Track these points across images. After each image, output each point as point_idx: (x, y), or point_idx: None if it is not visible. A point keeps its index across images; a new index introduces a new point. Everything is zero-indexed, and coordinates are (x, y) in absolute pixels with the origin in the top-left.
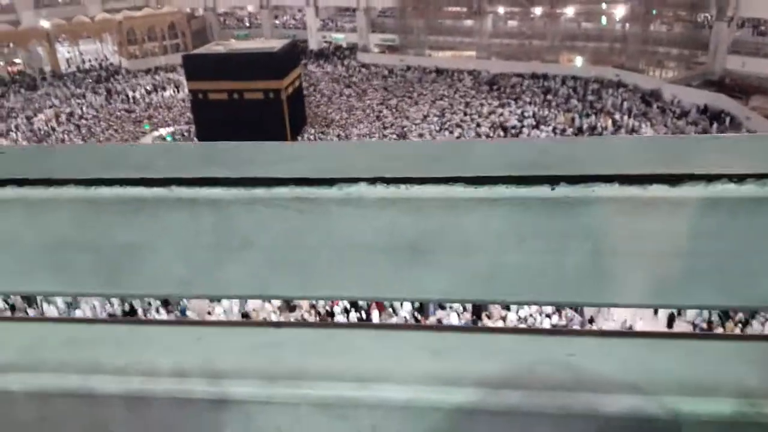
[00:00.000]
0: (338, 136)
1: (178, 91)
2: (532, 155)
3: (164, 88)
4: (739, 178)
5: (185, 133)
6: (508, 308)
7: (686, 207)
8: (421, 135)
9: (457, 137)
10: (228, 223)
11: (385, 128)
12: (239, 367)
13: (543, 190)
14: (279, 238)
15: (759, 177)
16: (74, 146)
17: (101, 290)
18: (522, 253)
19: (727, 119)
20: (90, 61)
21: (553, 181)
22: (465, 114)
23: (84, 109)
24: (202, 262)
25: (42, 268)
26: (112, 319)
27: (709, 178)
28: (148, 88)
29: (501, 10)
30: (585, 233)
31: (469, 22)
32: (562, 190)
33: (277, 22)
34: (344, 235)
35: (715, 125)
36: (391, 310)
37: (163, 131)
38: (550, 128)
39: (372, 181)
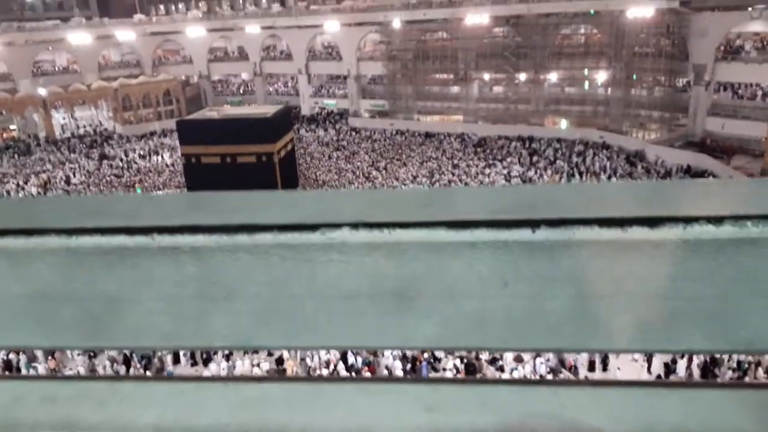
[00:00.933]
0: None
1: (169, 156)
2: (513, 199)
3: (157, 153)
4: (717, 220)
5: None
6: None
7: (666, 249)
8: None
9: None
10: (211, 271)
11: (375, 188)
12: (221, 424)
13: (524, 233)
14: (262, 286)
15: (737, 219)
16: (55, 197)
17: (83, 343)
18: (506, 298)
19: (710, 178)
20: (85, 126)
21: (533, 224)
22: (453, 174)
23: (76, 174)
24: (185, 313)
25: (22, 321)
26: (91, 375)
27: (688, 220)
28: (141, 152)
29: (486, 76)
30: (567, 276)
31: (455, 88)
32: (543, 234)
33: (270, 89)
34: (328, 282)
35: None
36: (386, 371)
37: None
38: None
39: (354, 225)
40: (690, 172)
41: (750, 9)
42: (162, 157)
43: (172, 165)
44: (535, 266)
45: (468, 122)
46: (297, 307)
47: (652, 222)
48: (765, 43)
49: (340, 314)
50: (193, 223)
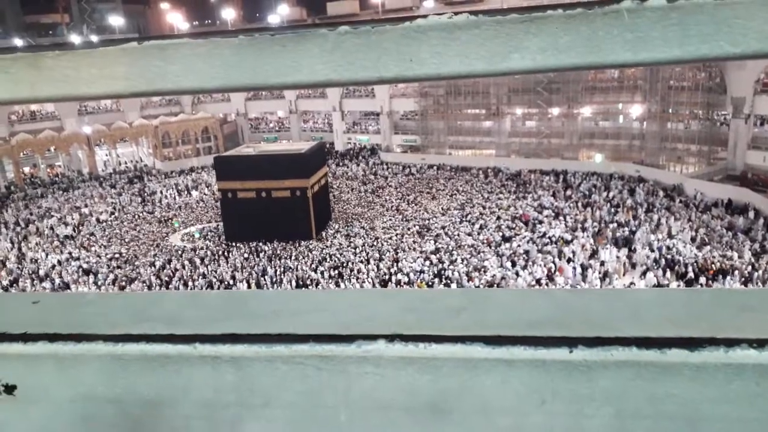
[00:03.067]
0: (363, 227)
1: (198, 191)
2: (548, 309)
3: (196, 188)
4: (760, 344)
5: (212, 230)
6: None
7: (707, 373)
8: (443, 227)
9: (480, 229)
10: (249, 380)
11: (407, 221)
12: None
13: (561, 353)
14: (298, 395)
15: None
16: (104, 296)
17: None
18: (542, 415)
19: (751, 212)
20: (126, 162)
21: (571, 343)
22: (484, 207)
23: (116, 211)
24: (222, 419)
25: (65, 422)
26: None
27: (729, 343)
28: (178, 188)
29: (519, 111)
30: (605, 396)
31: (488, 123)
32: (581, 353)
33: (305, 125)
34: (363, 393)
35: (741, 218)
36: None
37: (192, 228)
38: (570, 221)
39: (391, 338)
40: (731, 206)
41: None
42: (197, 192)
43: (201, 200)
44: (572, 385)
45: (500, 156)
46: (332, 418)
47: (692, 344)
48: None
49: (375, 426)
50: (233, 331)
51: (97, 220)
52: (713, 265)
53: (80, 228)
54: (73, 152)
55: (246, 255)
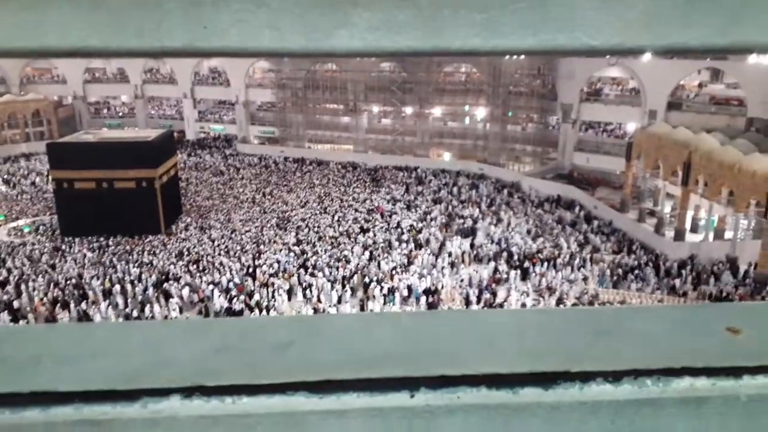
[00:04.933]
0: (218, 220)
1: (22, 181)
2: (391, 341)
3: (25, 177)
4: (615, 377)
5: (44, 224)
6: None
7: (561, 413)
8: (303, 219)
9: (338, 221)
10: None
11: (264, 213)
12: None
13: (401, 398)
14: None
15: (636, 375)
16: None
17: None
18: None
19: (577, 208)
20: None
21: (412, 385)
22: (342, 200)
23: None
24: None
25: None
26: None
27: (584, 377)
28: (5, 177)
29: (375, 108)
30: None
31: (346, 119)
32: (423, 397)
33: (152, 112)
34: None
35: (568, 213)
36: None
37: (20, 222)
38: (420, 212)
39: (188, 392)
40: (560, 201)
41: (607, 57)
42: (27, 181)
43: (24, 192)
44: None
45: (358, 152)
46: None
47: (546, 380)
48: (620, 86)
49: None
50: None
51: None
52: (540, 254)
53: None
54: None
55: (93, 250)
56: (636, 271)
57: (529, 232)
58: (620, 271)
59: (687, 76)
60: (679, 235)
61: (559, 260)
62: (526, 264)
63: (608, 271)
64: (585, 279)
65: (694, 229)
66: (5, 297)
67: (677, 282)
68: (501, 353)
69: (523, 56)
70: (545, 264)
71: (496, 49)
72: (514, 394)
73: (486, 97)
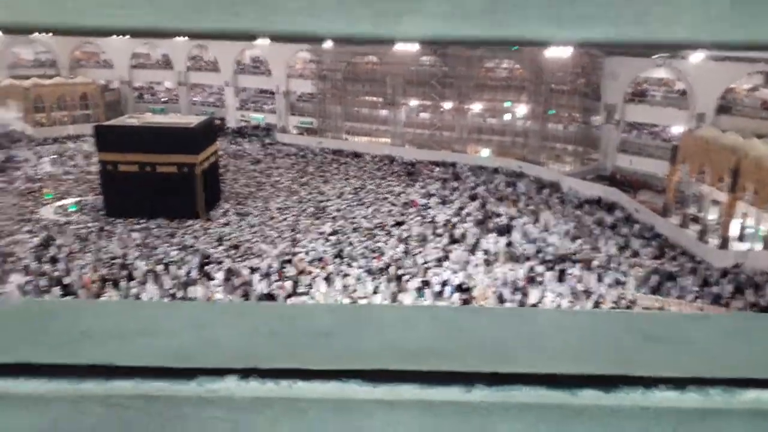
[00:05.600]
0: (256, 207)
1: (69, 161)
2: (435, 335)
3: (72, 158)
4: (678, 384)
5: (88, 204)
6: None
7: (622, 417)
8: (338, 210)
9: (372, 212)
10: (47, 427)
11: (300, 202)
12: None
13: (456, 393)
14: None
15: (701, 383)
16: None
17: None
18: None
19: (618, 210)
20: None
21: (466, 380)
22: (376, 193)
23: None
24: None
25: None
26: None
27: (646, 383)
28: (53, 156)
29: (414, 102)
30: None
31: (384, 112)
32: (479, 393)
33: (195, 99)
34: None
35: (609, 215)
36: None
37: (67, 201)
38: (456, 207)
39: (245, 373)
40: (600, 203)
41: (654, 57)
42: (73, 162)
43: (68, 172)
44: (469, 430)
45: (395, 145)
46: None
47: (606, 383)
48: (668, 88)
49: None
50: (25, 359)
51: None
52: (578, 255)
53: None
54: None
55: (136, 231)
56: (677, 278)
57: (567, 233)
58: (660, 276)
59: (738, 79)
60: (724, 244)
61: (596, 262)
62: (563, 265)
63: (648, 277)
64: (623, 283)
65: (741, 237)
66: (56, 273)
67: (720, 291)
68: (555, 353)
69: (568, 54)
70: (582, 266)
71: (567, 39)
72: (573, 395)
73: (527, 94)
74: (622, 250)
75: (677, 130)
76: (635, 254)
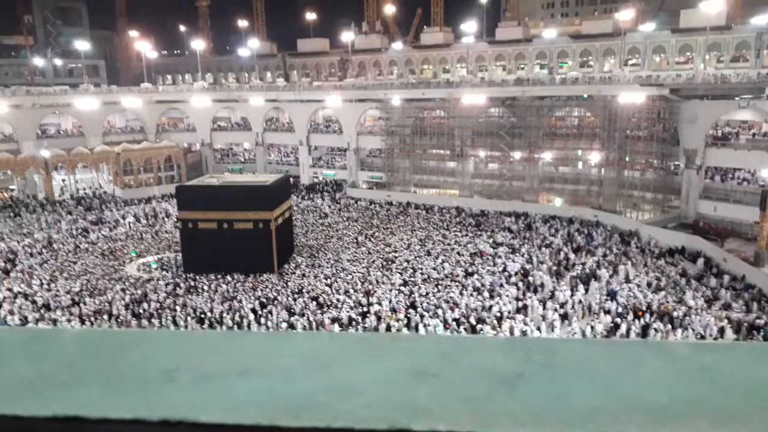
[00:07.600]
0: (328, 260)
1: (157, 220)
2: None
3: (155, 217)
4: None
5: (167, 261)
6: None
7: None
8: (407, 260)
9: (441, 262)
10: None
11: (369, 254)
12: None
13: None
14: None
15: None
16: None
17: None
18: None
19: (701, 260)
20: (84, 189)
21: None
22: (444, 243)
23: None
24: None
25: None
26: None
27: None
28: (138, 216)
29: (482, 153)
30: None
31: (452, 164)
32: None
33: (271, 157)
34: None
35: (694, 265)
36: None
37: (149, 258)
38: (526, 257)
39: None
40: (684, 252)
41: (737, 98)
42: (156, 221)
43: (149, 230)
44: None
45: (464, 196)
46: None
47: None
48: (752, 130)
49: None
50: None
51: (49, 242)
52: (664, 308)
53: (14, 261)
54: (29, 176)
55: (219, 286)
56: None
57: (649, 284)
58: (755, 330)
59: None
60: None
61: (677, 314)
62: (647, 319)
63: (738, 329)
64: (704, 337)
65: None
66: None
67: None
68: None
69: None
70: (665, 319)
71: None
72: None
73: (600, 142)
74: (711, 303)
75: (766, 173)
76: (727, 306)
